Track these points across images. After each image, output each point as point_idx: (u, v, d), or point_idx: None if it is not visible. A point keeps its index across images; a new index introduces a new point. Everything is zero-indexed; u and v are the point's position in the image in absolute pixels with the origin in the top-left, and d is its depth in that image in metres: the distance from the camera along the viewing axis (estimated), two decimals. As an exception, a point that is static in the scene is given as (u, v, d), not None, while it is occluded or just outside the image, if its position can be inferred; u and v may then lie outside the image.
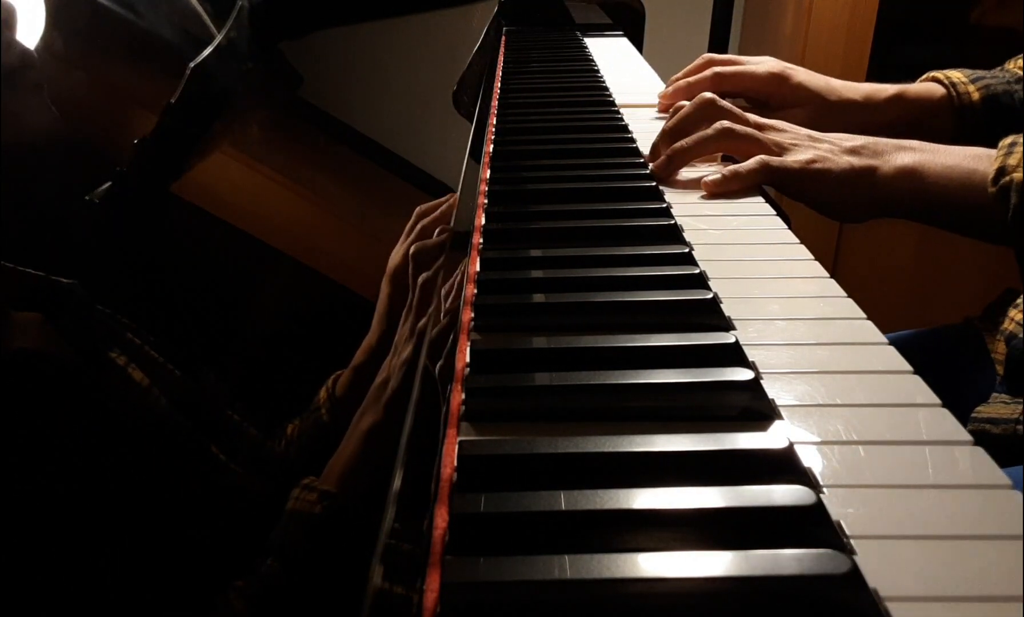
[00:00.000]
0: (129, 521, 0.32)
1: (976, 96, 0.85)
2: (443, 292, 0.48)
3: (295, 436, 0.47)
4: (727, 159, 0.72)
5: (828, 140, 0.68)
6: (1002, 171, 0.61)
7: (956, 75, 0.88)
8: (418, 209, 0.59)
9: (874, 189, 0.65)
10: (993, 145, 0.66)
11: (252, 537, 0.36)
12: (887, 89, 0.89)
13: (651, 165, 0.69)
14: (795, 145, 0.67)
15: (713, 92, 0.88)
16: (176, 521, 0.33)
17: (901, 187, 0.65)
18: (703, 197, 0.65)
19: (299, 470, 0.44)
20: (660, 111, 0.93)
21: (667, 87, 0.94)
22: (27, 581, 0.28)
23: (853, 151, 0.67)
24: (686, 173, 0.69)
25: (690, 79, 0.92)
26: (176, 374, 0.39)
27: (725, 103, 0.71)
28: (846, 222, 0.70)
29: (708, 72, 0.91)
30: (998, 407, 0.73)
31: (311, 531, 0.38)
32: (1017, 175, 0.60)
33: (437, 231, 0.55)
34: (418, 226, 0.58)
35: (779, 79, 0.89)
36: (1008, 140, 0.63)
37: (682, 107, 0.72)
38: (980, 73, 0.88)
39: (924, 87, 0.89)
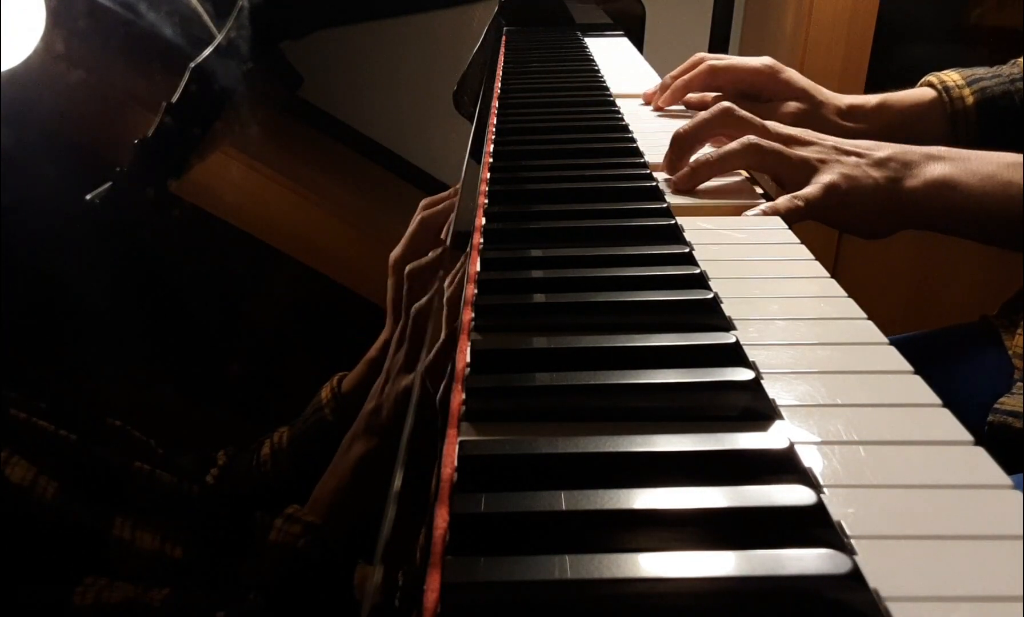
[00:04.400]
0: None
1: (970, 100, 0.85)
2: (443, 297, 0.48)
3: (284, 444, 0.46)
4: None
5: (856, 150, 0.65)
6: None
7: (952, 77, 0.88)
8: (422, 202, 0.58)
9: (902, 205, 0.63)
10: (986, 148, 0.65)
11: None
12: (871, 100, 0.90)
13: (669, 177, 0.67)
14: (822, 162, 0.65)
15: (708, 85, 0.87)
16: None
17: (932, 201, 0.63)
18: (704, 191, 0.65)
19: (293, 477, 0.44)
20: (654, 108, 0.93)
21: (661, 91, 0.93)
22: None
23: (880, 164, 0.64)
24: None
25: (685, 77, 0.92)
26: (71, 439, 0.37)
27: (743, 113, 0.69)
28: (873, 239, 0.68)
29: (703, 66, 0.91)
30: (1018, 400, 0.71)
31: (294, 565, 0.37)
32: None
33: (431, 261, 0.55)
34: (417, 220, 0.57)
35: (772, 71, 0.89)
36: None
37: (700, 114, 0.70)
38: (979, 74, 0.88)
39: (911, 93, 0.89)
